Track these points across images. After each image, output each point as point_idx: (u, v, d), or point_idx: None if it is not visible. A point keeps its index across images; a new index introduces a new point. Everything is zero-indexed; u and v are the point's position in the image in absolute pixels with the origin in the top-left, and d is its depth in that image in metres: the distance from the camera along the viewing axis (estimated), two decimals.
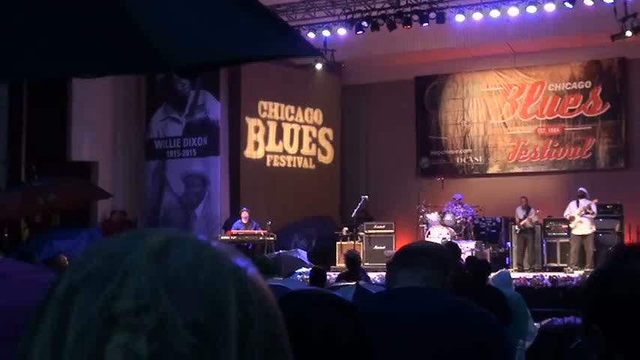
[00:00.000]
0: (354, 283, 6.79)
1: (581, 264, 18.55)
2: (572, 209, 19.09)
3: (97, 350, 0.82)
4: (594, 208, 18.86)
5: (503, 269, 14.46)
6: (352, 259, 13.30)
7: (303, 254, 18.48)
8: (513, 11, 19.96)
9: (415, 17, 20.26)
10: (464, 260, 12.24)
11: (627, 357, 1.61)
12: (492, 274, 12.44)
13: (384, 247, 20.38)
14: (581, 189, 19.17)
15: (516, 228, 20.00)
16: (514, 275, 15.32)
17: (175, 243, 0.89)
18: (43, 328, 0.86)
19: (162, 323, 0.83)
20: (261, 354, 0.87)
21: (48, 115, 20.74)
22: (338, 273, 14.89)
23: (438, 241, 18.16)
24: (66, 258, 10.00)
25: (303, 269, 15.69)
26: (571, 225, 19.11)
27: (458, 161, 23.78)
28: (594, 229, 18.89)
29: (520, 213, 20.08)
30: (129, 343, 0.82)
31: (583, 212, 18.80)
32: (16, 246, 17.12)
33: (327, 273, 15.26)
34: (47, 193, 13.55)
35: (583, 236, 18.83)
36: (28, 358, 0.85)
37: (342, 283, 7.88)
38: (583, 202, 18.93)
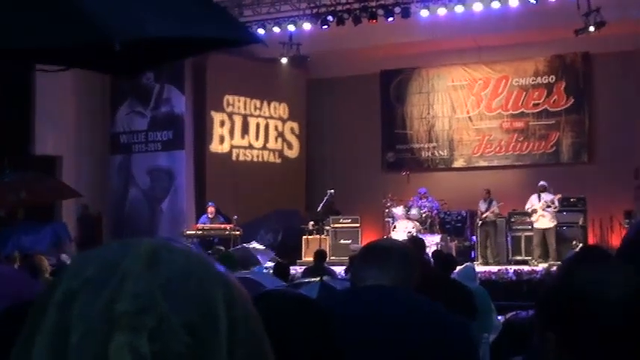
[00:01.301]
0: (318, 279, 6.78)
1: (544, 257, 18.73)
2: (533, 203, 19.26)
3: (101, 349, 0.87)
4: (557, 203, 19.04)
5: (468, 263, 14.47)
6: (321, 254, 13.40)
7: (261, 247, 18.48)
8: (478, 6, 20.04)
9: (380, 12, 20.30)
10: (429, 254, 12.28)
11: None
12: (457, 268, 12.52)
13: (350, 241, 20.45)
14: (542, 183, 19.33)
15: (479, 221, 20.17)
16: (479, 269, 15.40)
17: (164, 250, 0.95)
18: (43, 331, 0.90)
19: (161, 323, 0.89)
20: (247, 352, 0.94)
21: (11, 109, 20.54)
22: (304, 267, 14.91)
23: (404, 234, 18.22)
24: (43, 257, 9.89)
25: (269, 263, 15.69)
26: (532, 218, 19.29)
27: (423, 155, 23.87)
28: (555, 222, 19.07)
29: (482, 206, 20.24)
30: (132, 341, 0.87)
31: (545, 206, 18.97)
32: None
33: (293, 267, 15.32)
34: (19, 190, 13.45)
35: (545, 230, 19.03)
36: (26, 359, 0.89)
37: (306, 279, 7.89)
38: (545, 196, 19.09)
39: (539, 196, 19.20)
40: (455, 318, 3.00)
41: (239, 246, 18.23)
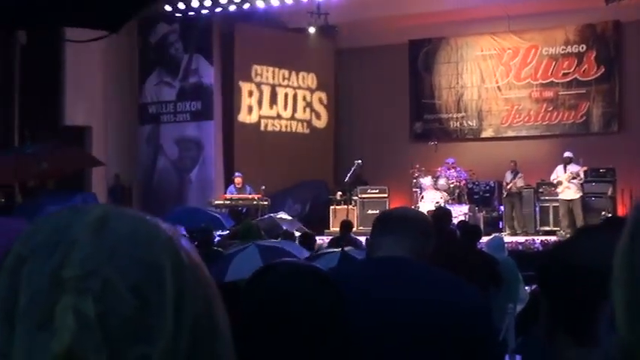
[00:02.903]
0: (339, 249, 6.81)
1: (572, 227, 18.63)
2: (558, 174, 19.17)
3: (48, 311, 0.91)
4: (582, 175, 18.95)
5: (496, 234, 14.48)
6: (347, 224, 13.43)
7: (288, 217, 18.53)
8: None
9: None
10: (455, 224, 12.28)
11: (569, 338, 1.65)
12: (485, 239, 12.52)
13: (377, 212, 20.41)
14: (567, 154, 19.23)
15: (504, 192, 20.14)
16: (506, 239, 15.38)
17: (113, 216, 0.99)
18: None
19: (106, 287, 0.92)
20: (195, 315, 0.97)
21: (41, 79, 20.67)
22: (331, 237, 14.95)
23: (432, 205, 18.21)
24: None
25: (296, 233, 15.75)
26: (558, 190, 19.20)
27: (451, 125, 23.76)
28: (581, 194, 18.99)
29: (508, 177, 20.21)
30: (77, 303, 0.91)
31: (570, 178, 18.88)
32: (11, 211, 17.10)
33: (320, 237, 15.36)
34: (40, 161, 13.53)
35: (570, 201, 18.95)
36: None
37: (330, 249, 7.93)
38: (571, 167, 19.00)
39: (564, 168, 19.10)
40: (468, 287, 2.98)
41: (266, 216, 18.29)
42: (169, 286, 0.95)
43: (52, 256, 0.94)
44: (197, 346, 0.97)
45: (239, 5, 21.52)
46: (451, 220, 11.21)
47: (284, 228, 15.33)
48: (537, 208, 20.16)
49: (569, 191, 18.92)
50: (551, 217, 19.90)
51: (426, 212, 17.92)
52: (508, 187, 20.06)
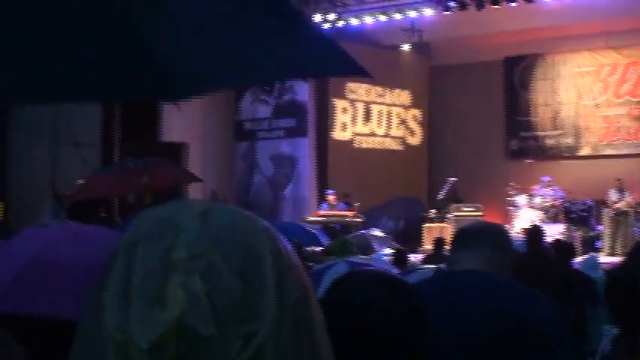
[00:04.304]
0: (434, 266, 6.79)
1: None
2: None
3: (159, 288, 1.01)
4: None
5: (592, 253, 14.22)
6: (440, 241, 13.34)
7: (380, 234, 18.46)
8: None
9: None
10: (549, 243, 12.11)
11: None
12: (579, 258, 12.30)
13: None
14: None
15: (609, 211, 19.60)
16: (605, 259, 15.07)
17: (214, 209, 1.09)
18: (113, 277, 1.05)
19: (211, 268, 1.02)
20: (296, 297, 1.06)
21: None
22: (423, 255, 14.88)
23: (527, 224, 17.97)
24: None
25: (388, 250, 15.70)
26: None
27: (548, 143, 23.42)
28: None
29: (613, 196, 19.67)
30: (186, 281, 1.01)
31: None
32: (110, 225, 17.48)
33: (414, 255, 15.29)
34: (141, 175, 13.79)
35: None
36: (101, 301, 1.05)
37: (422, 267, 7.91)
38: None
39: None
40: (538, 296, 2.96)
41: (357, 233, 18.29)
42: (269, 269, 1.05)
43: (162, 240, 1.04)
44: (298, 328, 1.06)
45: (333, 23, 21.65)
46: (543, 237, 11.07)
47: (374, 245, 15.31)
48: (637, 229, 19.67)
49: None
50: None
51: (520, 230, 17.77)
52: (616, 205, 19.48)
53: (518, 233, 17.56)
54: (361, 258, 8.34)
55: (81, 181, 16.11)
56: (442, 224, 20.73)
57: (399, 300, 2.11)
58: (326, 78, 22.67)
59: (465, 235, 3.16)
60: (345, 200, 21.07)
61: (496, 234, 3.20)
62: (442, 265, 7.14)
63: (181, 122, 22.61)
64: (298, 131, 22.91)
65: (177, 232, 1.04)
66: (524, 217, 19.30)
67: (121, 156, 19.87)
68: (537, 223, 17.60)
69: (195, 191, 22.25)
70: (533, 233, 10.09)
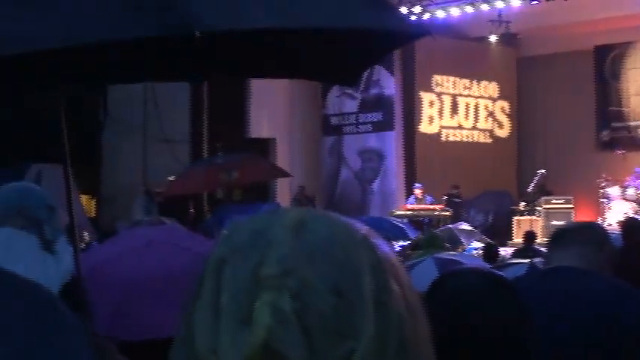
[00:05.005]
0: (527, 260, 6.70)
1: None
2: None
3: (248, 308, 0.96)
4: None
5: None
6: (530, 235, 13.18)
7: (468, 227, 18.31)
8: None
9: None
10: None
11: None
12: None
13: (562, 222, 19.90)
14: None
15: None
16: None
17: (310, 219, 1.03)
18: (203, 297, 1.01)
19: (304, 285, 0.96)
20: (396, 312, 1.00)
21: (227, 94, 21.31)
22: (514, 249, 14.72)
23: (620, 216, 17.65)
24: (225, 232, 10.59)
25: (476, 243, 15.58)
26: None
27: None
28: None
29: None
30: (274, 299, 0.96)
31: None
32: (199, 221, 17.71)
33: (503, 249, 15.13)
34: (230, 170, 13.90)
35: None
36: (192, 321, 1.01)
37: (514, 261, 7.81)
38: None
39: None
40: (637, 296, 2.91)
41: (444, 227, 18.19)
42: (367, 284, 0.98)
43: (252, 255, 0.99)
44: (403, 346, 0.99)
45: (419, 16, 21.54)
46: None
47: (462, 239, 15.20)
48: None
49: None
50: None
51: (614, 223, 17.44)
52: None
53: (611, 226, 17.23)
54: (449, 254, 8.30)
55: (171, 178, 16.37)
56: (532, 217, 20.49)
57: (504, 299, 2.08)
58: (410, 68, 22.61)
59: (563, 234, 3.15)
60: (454, 193, 21.09)
61: (594, 232, 3.17)
62: (535, 260, 7.05)
63: (268, 118, 22.79)
64: (385, 125, 22.87)
65: (269, 246, 0.99)
66: (616, 209, 18.95)
67: (209, 152, 20.11)
68: (632, 216, 17.29)
69: (283, 186, 22.42)
70: (630, 226, 9.86)
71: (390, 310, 0.99)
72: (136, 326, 2.93)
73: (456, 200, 21.33)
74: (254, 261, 0.98)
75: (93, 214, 20.73)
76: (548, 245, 3.19)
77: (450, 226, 17.78)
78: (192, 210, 18.92)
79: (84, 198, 20.01)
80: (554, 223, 19.99)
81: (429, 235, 10.80)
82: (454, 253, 9.51)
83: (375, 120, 23.13)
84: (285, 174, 17.25)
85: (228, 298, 0.98)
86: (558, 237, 3.15)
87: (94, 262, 3.22)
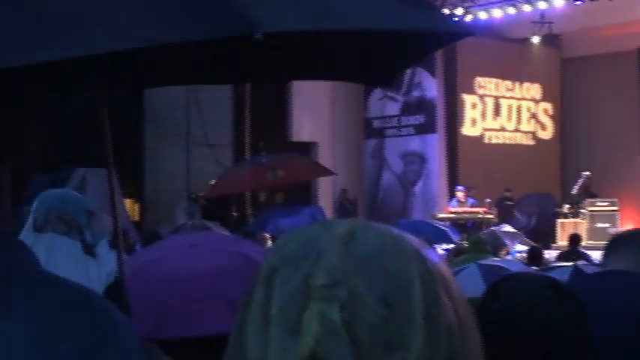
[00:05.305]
0: (571, 263, 6.64)
1: None
2: None
3: (297, 318, 0.97)
4: None
5: None
6: (575, 238, 13.07)
7: (512, 230, 18.17)
8: None
9: None
10: None
11: None
12: None
13: (607, 225, 19.73)
14: None
15: None
16: None
17: (361, 230, 1.03)
18: (254, 305, 1.02)
19: (353, 295, 0.97)
20: (448, 325, 0.99)
21: (269, 98, 21.39)
22: (558, 252, 14.59)
23: None
24: (266, 235, 10.83)
25: (520, 246, 15.48)
26: None
27: None
28: None
29: None
30: (323, 310, 0.96)
31: None
32: (242, 224, 17.78)
33: (547, 251, 15.02)
34: (275, 169, 13.88)
35: None
36: (244, 331, 1.01)
37: (558, 264, 7.75)
38: None
39: None
40: None
41: (487, 230, 18.08)
42: (417, 296, 0.98)
43: (302, 265, 1.00)
44: (452, 358, 0.99)
45: (461, 17, 21.46)
46: None
47: (506, 241, 15.10)
48: None
49: None
50: None
51: None
52: None
53: None
54: (492, 260, 8.23)
55: (213, 182, 16.42)
56: (576, 220, 20.29)
57: (560, 303, 2.06)
58: (452, 70, 22.52)
59: (619, 239, 3.12)
60: (507, 196, 21.03)
61: None
62: (579, 263, 6.99)
63: (310, 121, 22.82)
64: (427, 128, 22.81)
65: (319, 256, 1.00)
66: None
67: (252, 156, 20.15)
68: None
69: (325, 189, 22.44)
70: None
71: (439, 323, 0.99)
72: (181, 323, 2.96)
73: (508, 203, 21.24)
74: (304, 271, 0.99)
75: (136, 218, 20.88)
76: (603, 251, 3.17)
77: (494, 228, 17.68)
78: (235, 213, 18.98)
79: (127, 202, 20.16)
80: (599, 225, 19.82)
81: (473, 238, 10.73)
82: (497, 258, 9.44)
83: (417, 123, 23.08)
84: (329, 172, 17.20)
85: (278, 307, 0.99)
86: (613, 243, 3.12)
87: (139, 264, 3.25)
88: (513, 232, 17.72)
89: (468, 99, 23.04)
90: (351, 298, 0.96)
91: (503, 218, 19.81)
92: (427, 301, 0.99)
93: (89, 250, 3.66)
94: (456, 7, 21.35)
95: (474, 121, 23.15)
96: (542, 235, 19.64)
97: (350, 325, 0.95)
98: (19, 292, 1.12)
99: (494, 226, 18.81)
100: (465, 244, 12.11)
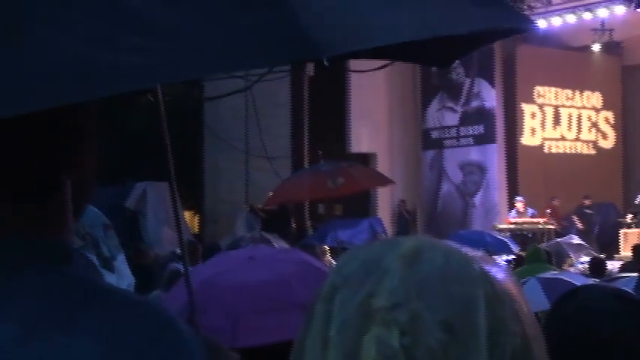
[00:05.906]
0: (636, 274, 6.53)
1: None
2: None
3: (356, 341, 0.93)
4: None
5: None
6: (639, 249, 12.83)
7: (577, 240, 17.91)
8: None
9: None
10: None
11: None
12: None
13: None
14: None
15: None
16: None
17: (426, 249, 0.99)
18: (314, 324, 0.98)
19: (414, 319, 0.92)
20: (514, 351, 0.94)
21: (328, 109, 21.41)
22: (622, 262, 14.37)
23: None
24: (325, 247, 10.83)
25: (585, 258, 15.25)
26: None
27: None
28: None
29: None
30: (382, 334, 0.92)
31: None
32: (301, 237, 17.79)
33: (611, 262, 14.79)
34: (335, 177, 13.85)
35: None
36: (304, 346, 0.98)
37: (622, 275, 7.62)
38: None
39: None
40: None
41: (552, 241, 17.86)
42: (482, 321, 0.94)
43: (363, 285, 0.96)
44: None
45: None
46: None
47: (570, 254, 14.90)
48: None
49: None
50: None
51: None
52: None
53: None
54: (552, 273, 8.11)
55: (271, 194, 16.45)
56: None
57: (629, 315, 2.03)
58: (511, 80, 22.35)
59: None
60: (586, 204, 20.87)
61: None
62: None
63: (369, 133, 22.80)
64: (487, 138, 22.66)
65: (381, 276, 0.96)
66: None
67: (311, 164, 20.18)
68: None
69: (383, 201, 22.40)
70: None
71: (504, 350, 0.94)
72: (254, 333, 2.97)
73: (587, 212, 21.00)
74: (365, 291, 0.95)
75: (196, 230, 21.04)
76: None
77: (559, 240, 17.43)
78: (294, 225, 19.00)
79: (187, 214, 20.33)
80: None
81: (531, 249, 10.60)
82: (557, 272, 9.30)
83: (477, 133, 22.95)
84: (389, 181, 17.13)
85: (336, 329, 0.95)
86: None
87: (204, 276, 3.27)
88: (579, 244, 17.45)
89: (527, 108, 22.86)
90: (411, 321, 0.92)
91: (585, 228, 19.62)
92: (492, 326, 0.94)
93: (107, 264, 3.66)
94: None
95: (533, 131, 22.94)
96: (604, 246, 19.38)
97: (409, 351, 0.91)
98: (80, 306, 1.12)
99: (582, 234, 18.60)
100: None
